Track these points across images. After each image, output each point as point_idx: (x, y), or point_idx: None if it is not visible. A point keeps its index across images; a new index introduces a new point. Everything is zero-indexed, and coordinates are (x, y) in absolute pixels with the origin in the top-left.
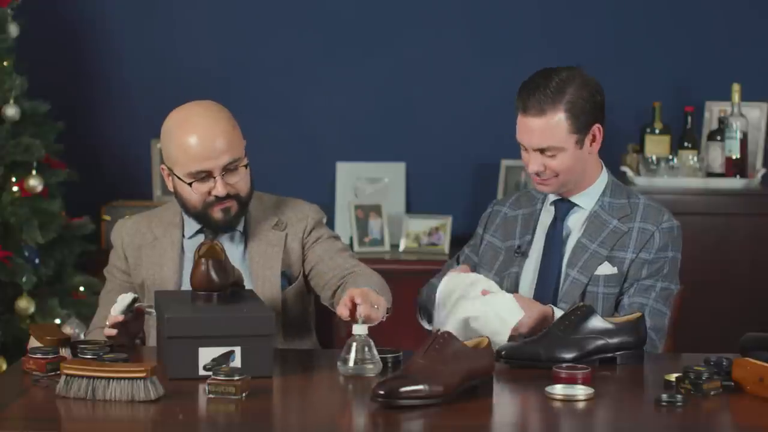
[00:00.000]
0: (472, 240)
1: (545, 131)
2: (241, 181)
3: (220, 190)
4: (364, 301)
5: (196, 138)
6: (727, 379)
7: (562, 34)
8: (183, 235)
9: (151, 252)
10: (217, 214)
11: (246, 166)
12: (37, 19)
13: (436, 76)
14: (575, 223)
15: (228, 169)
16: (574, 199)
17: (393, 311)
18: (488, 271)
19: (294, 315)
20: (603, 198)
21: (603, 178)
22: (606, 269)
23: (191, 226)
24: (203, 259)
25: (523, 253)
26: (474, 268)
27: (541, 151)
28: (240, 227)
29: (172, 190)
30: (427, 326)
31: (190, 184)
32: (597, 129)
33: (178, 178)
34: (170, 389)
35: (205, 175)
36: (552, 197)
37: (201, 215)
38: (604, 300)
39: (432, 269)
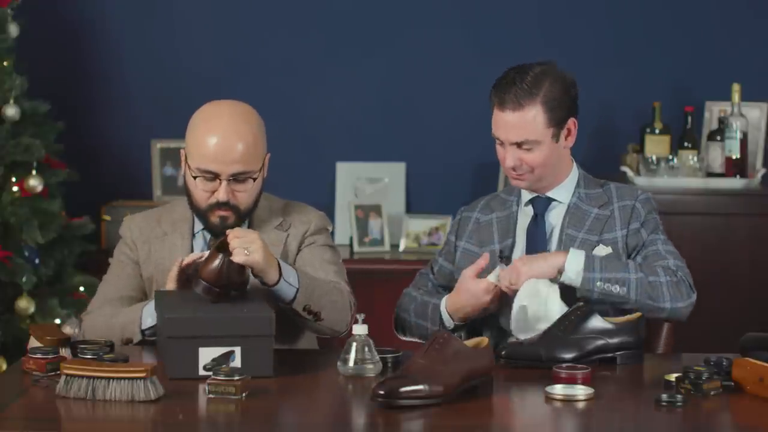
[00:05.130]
0: (444, 248)
1: (523, 125)
2: (245, 193)
3: (221, 195)
4: (241, 235)
5: (214, 139)
6: (727, 379)
7: (562, 34)
8: (193, 230)
9: (160, 247)
10: (214, 218)
11: (255, 179)
12: (37, 19)
13: (436, 76)
14: (556, 217)
15: (236, 179)
16: (550, 194)
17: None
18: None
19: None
20: (578, 189)
21: (574, 171)
22: (601, 251)
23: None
24: (220, 255)
25: (507, 257)
26: (450, 275)
27: (518, 145)
28: (245, 225)
29: (183, 173)
30: (403, 338)
31: (195, 178)
32: (572, 123)
33: (189, 167)
34: (170, 389)
35: (212, 177)
36: (526, 197)
37: (201, 215)
38: None
39: None
